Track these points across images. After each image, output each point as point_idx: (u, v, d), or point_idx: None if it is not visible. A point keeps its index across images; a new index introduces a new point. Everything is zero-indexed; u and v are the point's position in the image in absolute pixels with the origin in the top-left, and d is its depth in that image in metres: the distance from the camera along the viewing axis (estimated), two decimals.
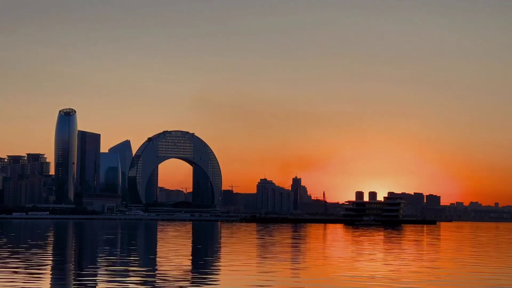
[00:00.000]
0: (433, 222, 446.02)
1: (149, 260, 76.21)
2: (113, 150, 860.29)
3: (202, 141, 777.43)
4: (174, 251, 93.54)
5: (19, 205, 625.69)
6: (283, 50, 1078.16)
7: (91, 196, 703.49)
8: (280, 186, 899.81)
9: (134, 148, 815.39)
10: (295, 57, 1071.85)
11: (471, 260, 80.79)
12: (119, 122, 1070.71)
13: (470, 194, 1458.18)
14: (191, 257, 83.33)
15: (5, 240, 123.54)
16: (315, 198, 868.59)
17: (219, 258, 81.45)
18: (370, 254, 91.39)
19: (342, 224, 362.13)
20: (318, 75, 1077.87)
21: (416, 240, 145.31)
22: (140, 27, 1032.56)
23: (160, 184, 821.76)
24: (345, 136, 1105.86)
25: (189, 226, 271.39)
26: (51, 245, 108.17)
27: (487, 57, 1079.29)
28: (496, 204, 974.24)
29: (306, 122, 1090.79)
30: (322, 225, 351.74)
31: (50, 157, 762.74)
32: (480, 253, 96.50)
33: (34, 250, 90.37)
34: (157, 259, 78.91)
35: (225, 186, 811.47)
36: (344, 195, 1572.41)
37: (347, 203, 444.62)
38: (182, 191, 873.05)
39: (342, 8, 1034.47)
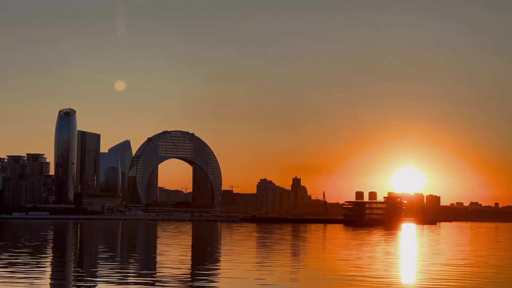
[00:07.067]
0: (433, 223, 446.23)
1: (149, 260, 76.20)
2: (113, 150, 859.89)
3: (202, 141, 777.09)
4: (174, 251, 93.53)
5: (19, 205, 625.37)
6: (284, 51, 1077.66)
7: (91, 196, 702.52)
8: (280, 186, 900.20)
9: (134, 148, 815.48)
10: (296, 59, 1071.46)
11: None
12: (119, 122, 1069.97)
13: (470, 194, 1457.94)
14: (191, 258, 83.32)
15: (4, 240, 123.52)
16: (315, 198, 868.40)
17: (219, 258, 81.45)
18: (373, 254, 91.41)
19: (342, 224, 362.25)
20: (319, 76, 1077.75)
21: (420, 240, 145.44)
22: (140, 27, 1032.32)
23: (160, 184, 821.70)
24: (345, 136, 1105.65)
25: (189, 227, 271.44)
26: (51, 245, 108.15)
27: (483, 53, 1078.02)
28: (496, 204, 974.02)
29: (306, 122, 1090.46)
30: (322, 225, 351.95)
31: (50, 157, 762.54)
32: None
33: (34, 251, 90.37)
34: (157, 259, 78.91)
35: (225, 186, 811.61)
36: (344, 195, 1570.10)
37: (347, 203, 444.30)
38: (182, 191, 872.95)
39: (344, 9, 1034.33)
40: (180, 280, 54.44)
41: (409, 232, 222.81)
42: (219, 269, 66.03)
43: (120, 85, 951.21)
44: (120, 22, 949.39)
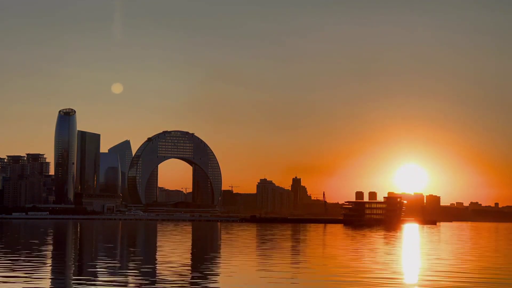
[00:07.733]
0: (433, 223, 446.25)
1: (148, 260, 76.12)
2: (113, 150, 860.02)
3: (202, 141, 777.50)
4: (173, 251, 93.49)
5: (19, 205, 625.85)
6: (284, 51, 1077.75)
7: (91, 196, 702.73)
8: (280, 186, 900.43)
9: (134, 148, 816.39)
10: (296, 59, 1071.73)
11: None
12: (119, 122, 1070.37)
13: (470, 194, 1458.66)
14: (190, 258, 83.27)
15: (4, 240, 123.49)
16: (315, 198, 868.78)
17: (219, 258, 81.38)
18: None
19: (342, 225, 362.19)
20: (319, 76, 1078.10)
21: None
22: (139, 27, 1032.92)
23: (160, 184, 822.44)
24: (345, 136, 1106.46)
25: (189, 227, 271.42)
26: (51, 245, 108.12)
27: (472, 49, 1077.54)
28: (496, 204, 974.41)
29: (306, 123, 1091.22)
30: (322, 225, 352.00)
31: (50, 157, 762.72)
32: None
33: (34, 251, 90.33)
34: (157, 259, 78.85)
35: (225, 186, 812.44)
36: (344, 195, 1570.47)
37: (347, 203, 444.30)
38: (182, 191, 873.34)
39: (344, 9, 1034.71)
40: (180, 280, 54.36)
41: (409, 232, 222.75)
42: (219, 269, 65.95)
43: (117, 88, 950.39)
44: (119, 22, 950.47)
